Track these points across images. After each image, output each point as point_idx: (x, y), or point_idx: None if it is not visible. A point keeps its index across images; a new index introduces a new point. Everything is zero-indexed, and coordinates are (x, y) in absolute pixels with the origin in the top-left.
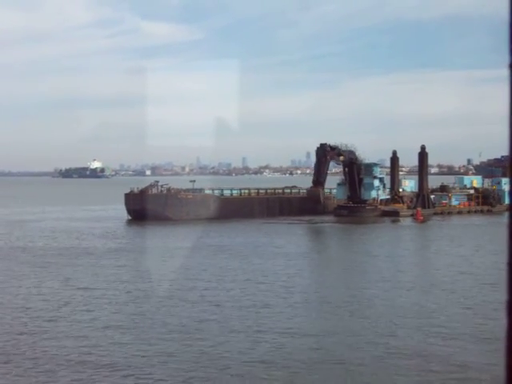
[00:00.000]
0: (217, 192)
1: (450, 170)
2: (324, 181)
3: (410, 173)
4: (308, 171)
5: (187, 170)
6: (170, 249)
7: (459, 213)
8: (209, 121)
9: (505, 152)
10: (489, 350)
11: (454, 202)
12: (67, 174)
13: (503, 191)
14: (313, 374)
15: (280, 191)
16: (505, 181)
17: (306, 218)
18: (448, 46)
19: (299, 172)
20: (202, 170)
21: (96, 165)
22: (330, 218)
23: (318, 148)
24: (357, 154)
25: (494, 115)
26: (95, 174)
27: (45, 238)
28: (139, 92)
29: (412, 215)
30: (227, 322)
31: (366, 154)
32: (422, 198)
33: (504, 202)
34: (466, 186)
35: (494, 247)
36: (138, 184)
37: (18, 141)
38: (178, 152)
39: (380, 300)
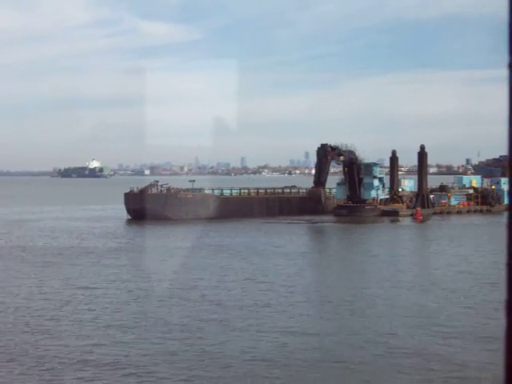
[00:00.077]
0: (216, 192)
1: (448, 170)
2: (325, 181)
3: (408, 172)
4: (307, 171)
5: (186, 169)
6: (169, 248)
7: (458, 212)
8: (207, 121)
9: (503, 152)
10: (489, 349)
11: (454, 202)
12: (66, 173)
13: (502, 191)
14: (314, 373)
15: (280, 191)
16: (504, 181)
17: (306, 217)
18: (447, 46)
19: (298, 172)
20: (201, 170)
21: (95, 164)
22: (330, 217)
23: (318, 148)
24: (356, 153)
25: (494, 115)
26: (94, 173)
27: (45, 238)
28: (138, 92)
29: (411, 215)
30: (228, 321)
31: (365, 154)
32: (421, 197)
33: (503, 201)
34: (465, 185)
35: (493, 247)
36: (137, 184)
37: (16, 140)
38: (176, 152)
39: (380, 299)
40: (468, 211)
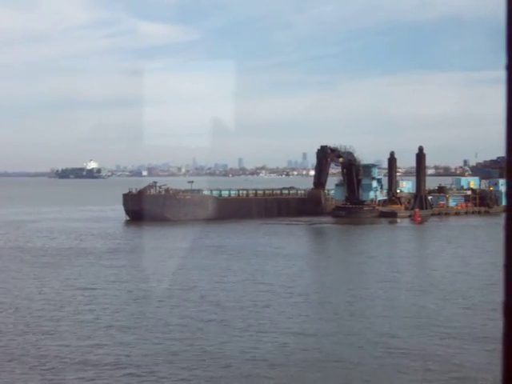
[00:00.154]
0: (215, 193)
1: (446, 171)
2: (325, 182)
3: (406, 174)
4: (304, 172)
5: (183, 170)
6: (168, 249)
7: (456, 214)
8: (205, 121)
9: (501, 153)
10: (487, 349)
11: (452, 203)
12: (64, 174)
13: (500, 192)
14: (313, 373)
15: (278, 192)
16: (502, 182)
17: (305, 218)
18: (445, 47)
19: (295, 173)
20: (199, 171)
21: (92, 165)
22: (329, 218)
23: (318, 150)
24: (355, 155)
25: (491, 116)
26: (91, 174)
27: (43, 239)
28: (136, 92)
29: (410, 216)
30: (228, 322)
31: (363, 155)
32: (419, 199)
33: (501, 203)
34: (463, 187)
35: (491, 248)
36: (135, 185)
37: (15, 141)
38: (174, 153)
39: (379, 300)
40: (466, 212)
